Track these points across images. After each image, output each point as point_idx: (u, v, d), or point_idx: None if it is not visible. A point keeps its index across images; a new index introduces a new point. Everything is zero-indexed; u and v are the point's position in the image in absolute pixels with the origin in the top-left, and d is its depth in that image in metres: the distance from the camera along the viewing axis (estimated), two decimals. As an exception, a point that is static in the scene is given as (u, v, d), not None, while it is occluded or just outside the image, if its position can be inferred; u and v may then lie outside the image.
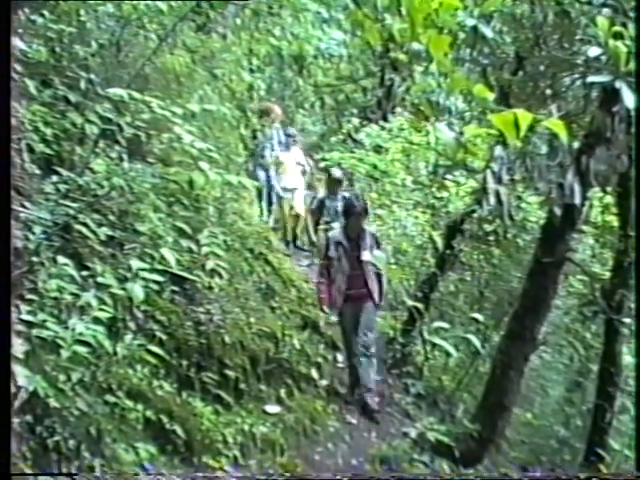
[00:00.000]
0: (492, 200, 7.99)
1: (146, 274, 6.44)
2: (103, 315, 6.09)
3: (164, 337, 7.85)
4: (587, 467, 9.50)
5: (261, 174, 16.31)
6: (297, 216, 16.24)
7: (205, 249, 7.97)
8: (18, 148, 7.18)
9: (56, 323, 5.90)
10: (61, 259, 6.46)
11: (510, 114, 3.22)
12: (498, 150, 7.94)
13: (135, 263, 6.49)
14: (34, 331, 5.85)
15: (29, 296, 6.20)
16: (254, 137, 16.05)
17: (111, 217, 7.62)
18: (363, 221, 10.27)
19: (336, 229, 10.96)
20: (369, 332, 10.04)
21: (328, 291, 10.23)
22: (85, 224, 7.10)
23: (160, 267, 6.78)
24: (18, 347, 5.71)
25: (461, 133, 5.88)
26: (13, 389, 5.56)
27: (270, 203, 16.26)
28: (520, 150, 7.84)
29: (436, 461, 8.83)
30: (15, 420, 5.74)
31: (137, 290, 6.31)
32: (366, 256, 10.06)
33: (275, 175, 16.16)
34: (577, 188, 7.70)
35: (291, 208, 16.12)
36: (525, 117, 3.25)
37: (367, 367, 9.94)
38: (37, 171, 7.31)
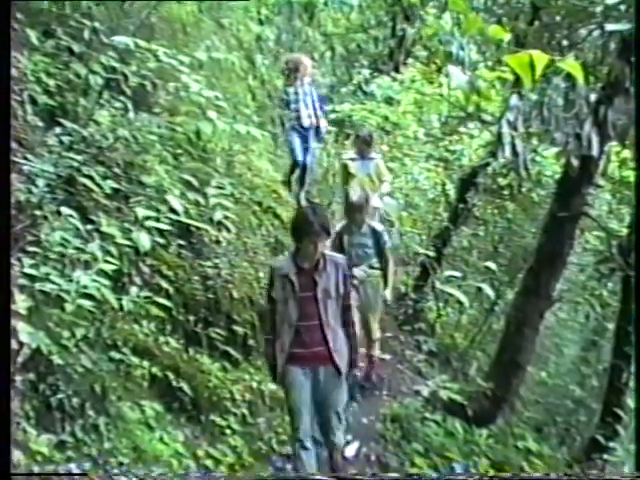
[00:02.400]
0: (507, 150, 7.83)
1: (152, 222, 6.33)
2: (108, 267, 5.99)
3: (171, 292, 7.69)
4: (603, 428, 9.37)
5: (295, 140, 13.26)
6: None
7: (213, 200, 7.81)
8: (20, 100, 7.06)
9: (60, 276, 5.78)
10: (65, 210, 6.31)
11: (526, 55, 3.06)
12: (514, 100, 7.78)
13: (141, 211, 6.39)
14: (37, 285, 5.74)
15: (32, 249, 6.09)
16: (284, 97, 13.36)
17: (116, 169, 7.47)
18: (322, 244, 6.66)
19: (282, 257, 7.64)
20: (330, 410, 6.75)
21: (272, 351, 6.89)
22: (89, 177, 6.95)
23: (167, 216, 6.65)
24: (21, 303, 5.61)
25: (475, 77, 5.71)
26: (16, 346, 5.44)
27: (302, 183, 13.54)
28: (536, 101, 7.68)
29: (448, 420, 8.71)
30: (18, 378, 5.64)
31: (143, 239, 6.25)
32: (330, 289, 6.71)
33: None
34: (595, 139, 7.58)
35: None
36: (541, 58, 3.09)
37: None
38: (40, 123, 7.21)
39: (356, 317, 7.72)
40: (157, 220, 6.41)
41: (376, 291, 9.17)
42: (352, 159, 11.56)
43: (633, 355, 9.04)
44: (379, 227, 9.32)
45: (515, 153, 8.06)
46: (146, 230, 6.29)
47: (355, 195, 9.69)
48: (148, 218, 6.38)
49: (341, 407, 6.81)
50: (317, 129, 13.29)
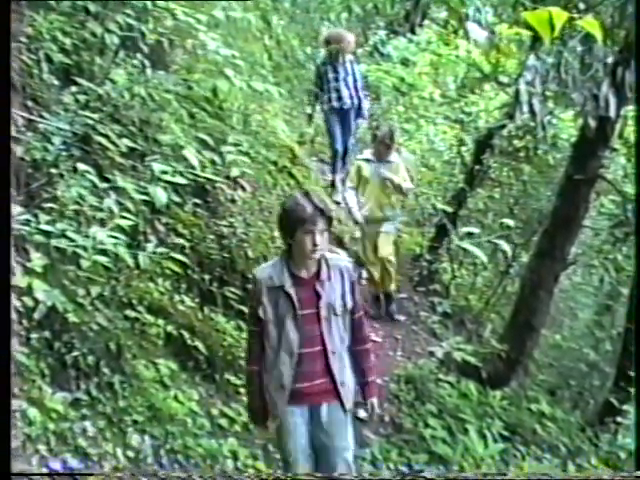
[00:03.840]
0: (525, 109, 7.78)
1: (169, 177, 6.31)
2: (125, 223, 5.96)
3: (186, 250, 7.68)
4: (617, 392, 9.36)
5: (335, 123, 12.39)
6: None
7: (229, 157, 7.77)
8: (36, 58, 7.04)
9: (76, 233, 5.76)
10: (82, 166, 6.30)
11: (545, 12, 3.01)
12: (531, 60, 7.72)
13: (157, 166, 6.36)
14: (53, 241, 5.72)
15: (48, 205, 6.08)
16: (324, 75, 12.27)
17: (132, 127, 7.43)
18: (322, 236, 5.16)
19: (269, 264, 5.53)
20: (336, 456, 5.30)
21: (259, 386, 5.43)
22: (105, 135, 6.93)
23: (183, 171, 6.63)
24: (36, 260, 5.61)
25: (493, 33, 5.68)
26: (31, 303, 5.45)
27: (335, 169, 12.61)
28: (553, 63, 7.62)
29: (462, 382, 8.70)
30: (33, 336, 5.65)
31: (159, 194, 6.20)
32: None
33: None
34: (612, 100, 7.55)
35: None
36: (560, 15, 3.04)
37: None
38: (55, 81, 7.21)
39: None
40: (173, 175, 6.38)
41: None
42: (367, 160, 9.98)
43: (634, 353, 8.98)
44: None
45: (532, 112, 8.00)
46: (162, 185, 6.26)
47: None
48: (164, 173, 6.36)
49: (349, 452, 5.33)
50: (359, 111, 12.32)
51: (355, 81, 12.22)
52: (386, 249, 9.99)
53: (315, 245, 5.03)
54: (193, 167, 6.84)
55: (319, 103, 12.66)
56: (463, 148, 12.72)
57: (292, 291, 5.15)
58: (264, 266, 5.48)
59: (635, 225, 8.38)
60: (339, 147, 12.36)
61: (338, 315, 5.24)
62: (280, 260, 5.28)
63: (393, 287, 10.04)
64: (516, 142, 11.59)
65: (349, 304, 5.30)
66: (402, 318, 10.06)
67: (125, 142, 7.05)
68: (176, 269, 7.17)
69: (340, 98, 12.17)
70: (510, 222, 10.36)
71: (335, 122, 12.40)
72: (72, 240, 5.68)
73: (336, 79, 12.21)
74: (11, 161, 6.17)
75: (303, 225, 5.00)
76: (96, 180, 6.21)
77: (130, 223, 6.02)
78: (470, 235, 9.67)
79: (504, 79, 11.94)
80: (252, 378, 5.37)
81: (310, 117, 13.33)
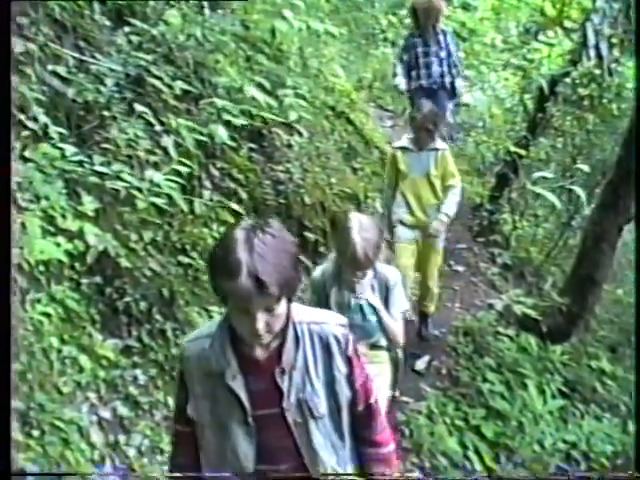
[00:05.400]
0: (592, 53, 7.52)
1: (230, 117, 6.18)
2: (180, 167, 5.85)
3: (241, 195, 7.55)
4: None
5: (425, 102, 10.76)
6: None
7: (287, 100, 7.59)
8: (88, -1, 6.91)
9: (131, 174, 5.67)
10: (138, 107, 6.21)
11: None
12: (600, 1, 7.42)
13: (220, 101, 6.22)
14: (108, 183, 5.64)
15: (103, 145, 6.00)
16: (411, 49, 10.70)
17: (186, 70, 7.28)
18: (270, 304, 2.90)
19: (203, 331, 3.29)
20: None
21: None
22: (159, 77, 6.80)
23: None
24: (88, 204, 5.54)
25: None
26: (82, 248, 5.36)
27: None
28: (620, 7, 7.35)
29: (522, 336, 8.49)
30: (84, 281, 5.57)
31: (220, 131, 6.10)
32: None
33: None
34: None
35: None
36: None
37: None
38: (107, 22, 7.12)
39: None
40: (235, 115, 6.26)
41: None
42: (404, 149, 7.89)
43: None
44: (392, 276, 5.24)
45: (599, 57, 7.73)
46: (224, 125, 6.14)
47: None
48: (226, 111, 6.23)
49: None
50: (452, 91, 10.68)
51: (449, 56, 10.63)
52: (430, 273, 7.98)
53: (255, 331, 2.91)
54: (253, 107, 6.71)
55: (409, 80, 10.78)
56: (526, 96, 12.42)
57: (238, 383, 3.13)
58: (196, 335, 3.31)
59: (635, 224, 8.06)
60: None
61: (320, 417, 3.22)
62: (220, 328, 3.16)
63: (432, 309, 8.35)
64: (580, 90, 11.25)
65: (343, 395, 3.26)
66: (437, 333, 8.66)
67: (179, 84, 6.91)
68: (231, 215, 7.05)
69: (430, 75, 10.62)
70: (585, 167, 10.03)
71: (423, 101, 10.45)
72: (127, 182, 5.61)
73: (426, 54, 10.65)
74: (62, 103, 6.08)
75: (233, 298, 2.88)
76: (153, 120, 6.11)
77: (186, 168, 5.92)
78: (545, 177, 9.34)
79: (569, 24, 11.61)
80: None
81: (411, 98, 11.01)
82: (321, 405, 3.19)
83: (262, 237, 2.85)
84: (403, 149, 7.88)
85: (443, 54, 10.55)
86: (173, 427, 3.45)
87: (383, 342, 5.32)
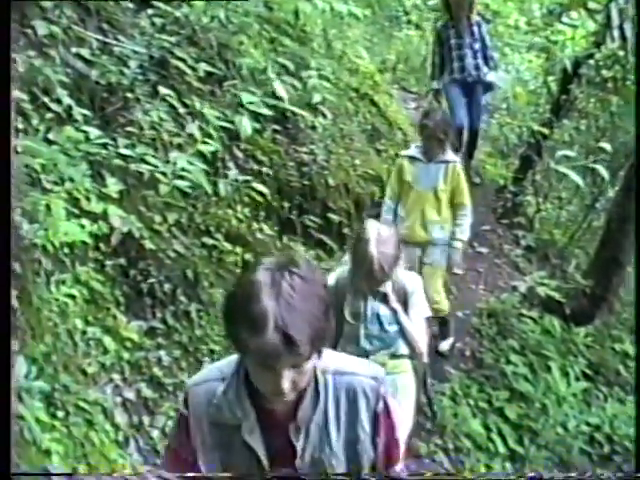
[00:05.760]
0: (616, 34, 7.45)
1: (254, 107, 6.18)
2: (206, 149, 5.85)
3: (265, 177, 7.55)
4: None
5: (457, 98, 10.24)
6: None
7: (312, 82, 7.57)
8: (111, -19, 6.92)
9: (155, 157, 5.68)
10: (163, 90, 6.22)
11: None
12: (624, -20, 7.38)
13: (245, 96, 6.22)
14: (132, 166, 5.66)
15: (127, 128, 6.01)
16: (440, 42, 10.32)
17: (210, 51, 7.27)
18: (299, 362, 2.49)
19: (214, 372, 2.83)
20: None
21: None
22: (182, 59, 6.79)
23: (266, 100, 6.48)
24: (112, 186, 5.55)
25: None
26: (107, 230, 5.38)
27: (471, 155, 10.72)
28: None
29: (545, 318, 8.48)
30: (108, 263, 5.59)
31: (245, 123, 6.08)
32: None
33: None
34: None
35: None
36: None
37: None
38: (131, 5, 7.16)
39: None
40: (259, 106, 6.25)
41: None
42: (412, 158, 7.27)
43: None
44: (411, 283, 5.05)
45: (623, 38, 7.67)
46: (248, 114, 6.14)
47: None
48: (251, 103, 6.23)
49: None
50: (488, 84, 10.29)
51: (484, 48, 10.12)
52: (433, 288, 7.01)
53: (280, 391, 2.49)
54: (278, 98, 6.69)
55: (442, 75, 10.35)
56: (549, 78, 12.34)
57: (256, 438, 2.71)
58: (204, 377, 2.83)
59: (635, 225, 7.99)
60: (463, 123, 10.14)
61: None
62: (236, 375, 2.72)
63: (447, 347, 7.82)
64: (604, 72, 11.18)
65: (365, 457, 2.80)
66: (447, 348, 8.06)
67: (203, 66, 6.91)
68: (255, 197, 7.05)
69: (463, 69, 10.06)
70: (607, 146, 9.93)
71: (458, 98, 10.24)
72: (151, 165, 5.62)
73: (459, 46, 10.09)
74: (86, 85, 6.09)
75: (256, 355, 2.46)
76: (176, 103, 6.12)
77: (211, 149, 5.92)
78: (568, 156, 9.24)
79: (593, 5, 11.51)
80: None
81: (437, 93, 10.61)
82: (339, 467, 2.76)
83: (290, 281, 2.39)
84: (411, 159, 7.26)
85: (477, 46, 10.05)
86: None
87: (404, 350, 5.10)
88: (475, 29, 10.11)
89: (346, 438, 2.74)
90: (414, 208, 7.16)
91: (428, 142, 7.08)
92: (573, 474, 6.93)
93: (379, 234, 4.60)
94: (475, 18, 10.21)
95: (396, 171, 7.31)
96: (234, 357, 2.72)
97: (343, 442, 2.74)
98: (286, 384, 2.45)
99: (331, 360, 2.73)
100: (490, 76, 10.04)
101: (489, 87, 10.37)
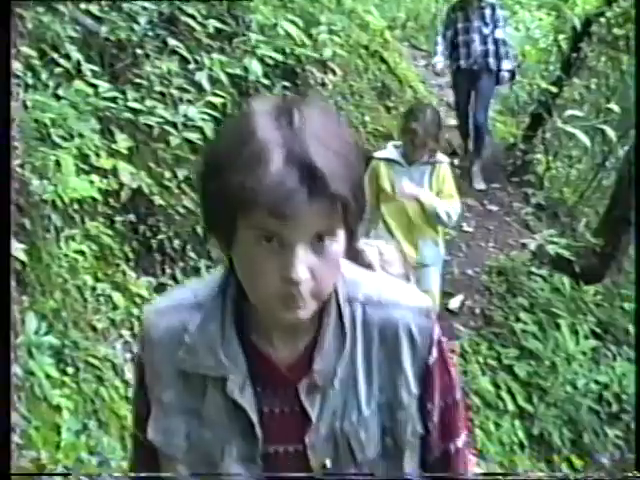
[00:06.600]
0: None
1: (265, 51, 6.15)
2: (217, 100, 5.83)
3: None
4: None
5: (462, 88, 9.60)
6: None
7: (321, 37, 7.52)
8: None
9: (165, 110, 5.66)
10: (172, 41, 6.21)
11: None
12: None
13: (254, 35, 6.18)
14: (142, 119, 5.64)
15: (136, 81, 6.00)
16: (448, 25, 9.55)
17: (219, 8, 7.21)
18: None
19: (186, 295, 1.83)
20: None
21: None
22: (192, 15, 6.75)
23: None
24: (122, 142, 5.54)
25: None
26: (116, 186, 5.38)
27: (478, 153, 9.83)
28: None
29: (555, 275, 8.46)
30: (118, 219, 5.59)
31: (254, 66, 6.06)
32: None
33: None
34: None
35: None
36: None
37: None
38: None
39: None
40: (271, 48, 6.23)
41: None
42: (390, 161, 6.15)
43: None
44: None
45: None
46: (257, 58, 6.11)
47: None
48: (260, 45, 6.20)
49: None
50: (497, 73, 9.36)
51: (494, 32, 9.20)
52: None
53: (289, 279, 1.55)
54: (286, 54, 6.68)
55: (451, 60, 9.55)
56: (560, 36, 12.26)
57: (247, 398, 1.75)
58: (172, 302, 1.87)
59: (635, 224, 7.94)
60: (468, 122, 9.55)
61: (365, 463, 1.79)
62: (217, 297, 1.77)
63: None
64: (615, 30, 11.10)
65: (409, 431, 1.81)
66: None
67: (212, 23, 6.87)
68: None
69: (469, 55, 9.20)
70: (615, 107, 9.88)
71: (463, 87, 9.55)
72: (161, 117, 5.60)
73: (466, 30, 9.22)
74: (95, 41, 6.05)
75: (252, 212, 1.51)
76: (186, 54, 6.12)
77: (220, 99, 5.90)
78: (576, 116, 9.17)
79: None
80: None
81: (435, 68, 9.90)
82: (370, 444, 1.78)
83: (304, 111, 1.56)
84: (388, 162, 6.15)
85: (487, 30, 9.16)
86: (131, 433, 2.04)
87: None
88: (487, 12, 9.25)
89: (381, 402, 1.78)
90: (396, 222, 6.11)
91: (412, 146, 6.00)
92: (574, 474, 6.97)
93: (381, 255, 3.54)
94: (488, 0, 9.38)
95: (369, 177, 5.97)
96: (214, 275, 1.84)
97: (376, 409, 1.78)
98: (302, 268, 1.54)
99: (362, 283, 1.80)
100: (505, 65, 9.23)
101: (500, 78, 9.44)
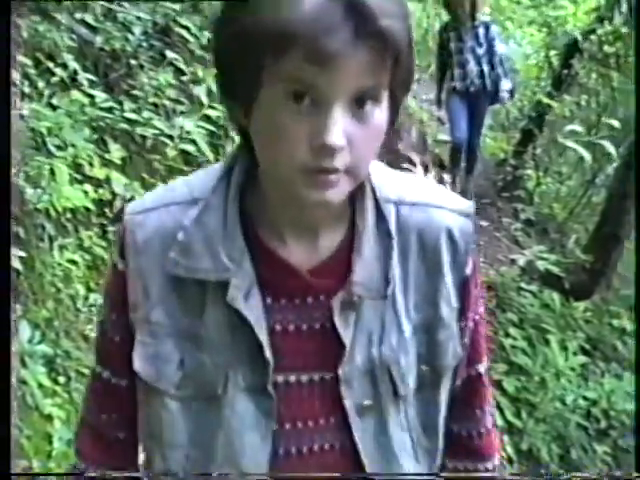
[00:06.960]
0: (624, 8, 7.44)
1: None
2: (213, 114, 5.83)
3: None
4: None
5: (457, 109, 9.19)
6: None
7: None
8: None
9: (162, 121, 5.66)
10: (169, 54, 6.21)
11: None
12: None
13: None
14: (138, 130, 5.64)
15: (132, 92, 6.00)
16: (442, 45, 9.25)
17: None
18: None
19: (168, 197, 1.52)
20: None
21: None
22: (186, 27, 6.77)
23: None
24: (115, 152, 5.55)
25: None
26: (109, 196, 5.37)
27: (470, 172, 9.56)
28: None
29: (545, 291, 8.48)
30: (110, 229, 5.58)
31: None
32: None
33: None
34: None
35: None
36: None
37: None
38: None
39: None
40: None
41: None
42: None
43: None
44: None
45: (631, 9, 7.64)
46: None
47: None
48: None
49: None
50: (494, 95, 9.10)
51: (490, 52, 8.89)
52: None
53: (322, 147, 1.26)
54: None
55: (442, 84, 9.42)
56: (551, 52, 12.36)
57: (254, 310, 1.42)
58: (157, 199, 1.51)
59: (635, 225, 7.99)
60: (460, 136, 9.14)
61: (405, 396, 1.52)
62: (219, 186, 1.46)
63: None
64: (606, 48, 11.19)
65: (449, 353, 1.54)
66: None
67: (206, 35, 6.88)
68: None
69: (464, 76, 8.94)
70: (615, 122, 9.89)
71: (459, 109, 9.17)
72: (157, 129, 5.61)
73: (460, 50, 8.94)
74: (90, 51, 6.05)
75: (284, 54, 1.22)
76: (183, 66, 6.13)
77: (216, 113, 5.92)
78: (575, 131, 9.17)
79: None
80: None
81: (439, 102, 9.78)
82: (410, 372, 1.52)
83: None
84: None
85: (481, 51, 8.87)
86: (91, 373, 1.80)
87: None
88: (480, 31, 8.93)
89: (420, 318, 1.52)
90: None
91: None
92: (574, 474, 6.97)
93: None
94: (481, 18, 9.12)
95: None
96: (213, 167, 1.55)
97: (414, 330, 1.51)
98: (338, 133, 1.26)
99: (391, 182, 1.54)
100: (504, 84, 8.93)
101: (500, 99, 9.26)
